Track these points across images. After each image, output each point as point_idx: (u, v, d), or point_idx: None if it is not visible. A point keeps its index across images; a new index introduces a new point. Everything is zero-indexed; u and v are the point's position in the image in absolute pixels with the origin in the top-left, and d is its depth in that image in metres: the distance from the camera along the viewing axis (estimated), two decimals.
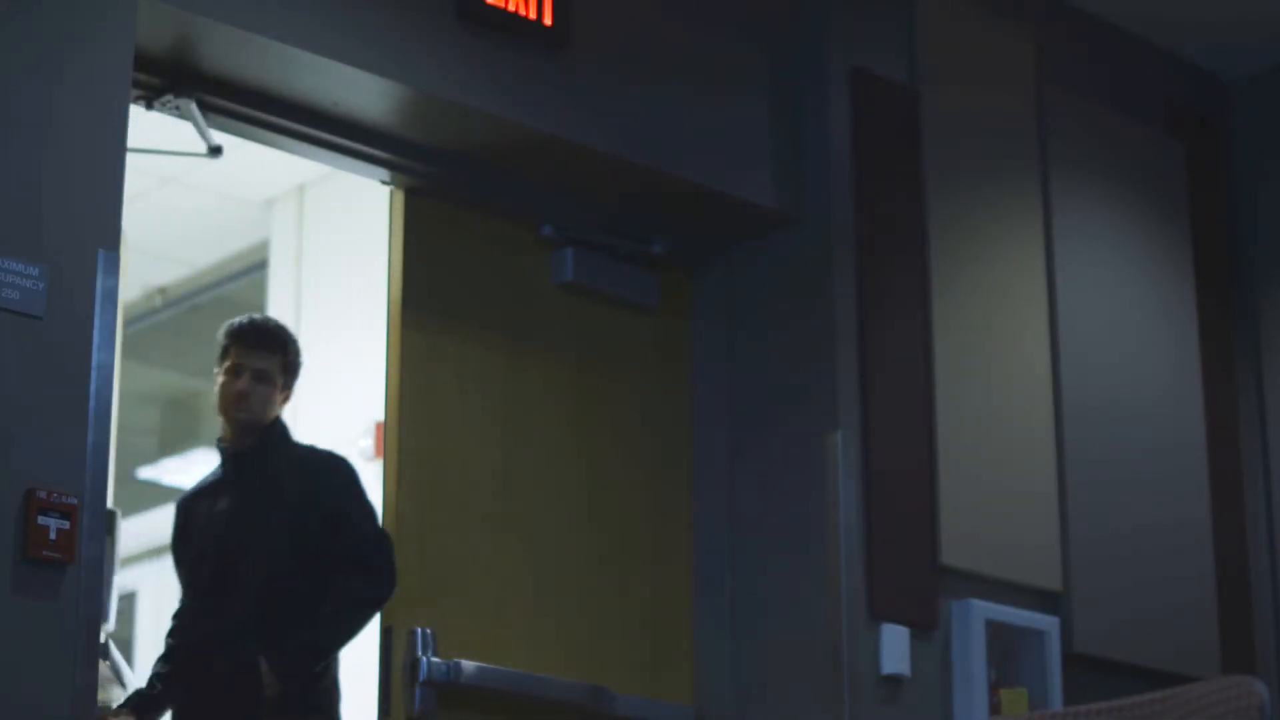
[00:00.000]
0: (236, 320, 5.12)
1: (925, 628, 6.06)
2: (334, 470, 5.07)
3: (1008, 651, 6.25)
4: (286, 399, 5.12)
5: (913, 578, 6.07)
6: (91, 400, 4.52)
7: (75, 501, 4.41)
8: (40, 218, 4.53)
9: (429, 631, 5.49)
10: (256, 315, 5.21)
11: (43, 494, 4.37)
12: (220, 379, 5.04)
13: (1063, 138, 6.88)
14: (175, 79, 5.25)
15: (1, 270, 4.43)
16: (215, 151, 5.54)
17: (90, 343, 4.55)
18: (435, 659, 5.47)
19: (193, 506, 5.12)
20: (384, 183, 5.83)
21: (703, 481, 6.34)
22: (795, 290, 6.25)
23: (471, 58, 5.57)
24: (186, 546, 5.09)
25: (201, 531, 5.05)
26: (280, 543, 4.92)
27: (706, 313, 6.45)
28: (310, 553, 4.94)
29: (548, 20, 5.71)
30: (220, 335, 5.09)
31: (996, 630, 6.17)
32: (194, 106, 5.29)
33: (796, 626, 6.02)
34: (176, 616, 5.16)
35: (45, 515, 4.36)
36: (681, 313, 6.45)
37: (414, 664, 5.45)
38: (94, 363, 4.55)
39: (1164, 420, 6.95)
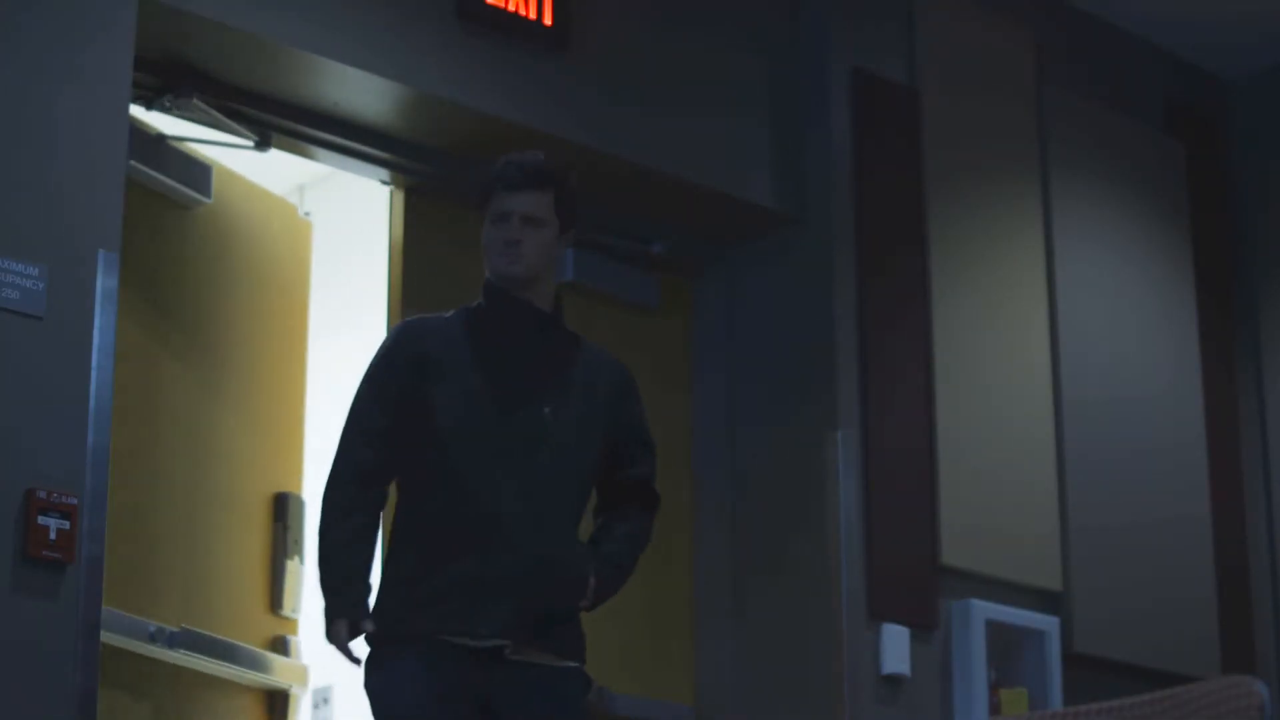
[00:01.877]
0: (498, 161, 4.31)
1: (925, 628, 6.06)
2: (634, 388, 4.34)
3: (1008, 651, 6.25)
4: (569, 242, 4.32)
5: (913, 577, 6.07)
6: (91, 400, 4.53)
7: (75, 501, 4.42)
8: (40, 218, 4.53)
9: None
10: (520, 153, 4.35)
11: (43, 494, 4.37)
12: (485, 230, 4.32)
13: (1063, 138, 6.88)
14: (175, 79, 5.25)
15: (1, 270, 4.43)
16: (262, 145, 5.53)
17: (90, 343, 4.55)
18: None
19: (455, 344, 4.31)
20: (384, 183, 5.84)
21: (703, 481, 6.34)
22: (795, 290, 6.25)
23: (471, 58, 5.57)
24: (452, 385, 4.21)
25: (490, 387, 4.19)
26: (597, 443, 4.21)
27: (706, 313, 6.45)
28: (600, 463, 4.26)
29: (548, 20, 5.72)
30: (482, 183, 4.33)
31: (996, 630, 6.17)
32: (196, 102, 5.29)
33: (796, 626, 6.02)
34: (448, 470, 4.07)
35: (45, 515, 4.36)
36: (681, 313, 6.44)
37: None
38: (94, 363, 4.55)
39: (1164, 419, 6.95)
